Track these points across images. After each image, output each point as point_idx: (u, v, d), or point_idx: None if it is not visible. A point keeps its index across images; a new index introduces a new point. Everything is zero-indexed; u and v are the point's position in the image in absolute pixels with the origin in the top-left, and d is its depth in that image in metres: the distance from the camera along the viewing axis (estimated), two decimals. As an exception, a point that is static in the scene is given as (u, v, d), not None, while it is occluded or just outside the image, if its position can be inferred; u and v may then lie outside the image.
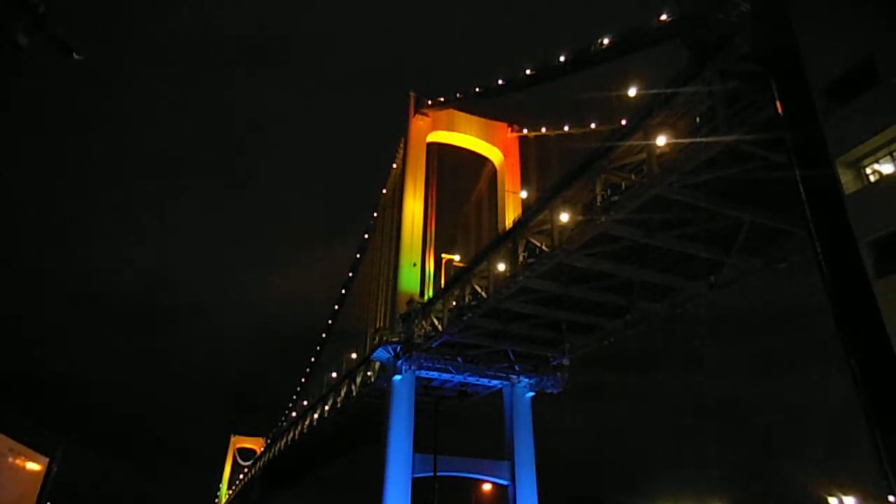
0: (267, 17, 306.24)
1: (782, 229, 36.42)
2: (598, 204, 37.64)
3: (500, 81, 58.86)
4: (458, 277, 55.85)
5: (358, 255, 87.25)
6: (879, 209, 20.56)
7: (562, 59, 45.42)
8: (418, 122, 70.13)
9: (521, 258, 46.00)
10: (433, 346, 57.55)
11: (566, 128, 58.09)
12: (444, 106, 70.24)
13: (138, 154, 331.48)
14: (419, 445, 57.87)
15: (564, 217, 41.39)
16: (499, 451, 62.98)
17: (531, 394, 63.56)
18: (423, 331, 58.64)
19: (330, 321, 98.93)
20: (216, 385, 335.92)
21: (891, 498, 19.97)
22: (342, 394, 76.83)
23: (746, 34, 27.31)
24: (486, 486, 64.06)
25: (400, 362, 59.27)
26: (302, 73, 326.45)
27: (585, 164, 39.68)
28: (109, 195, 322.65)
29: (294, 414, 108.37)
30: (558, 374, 62.12)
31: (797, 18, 23.86)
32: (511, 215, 62.57)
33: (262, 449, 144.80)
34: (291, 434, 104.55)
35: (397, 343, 59.75)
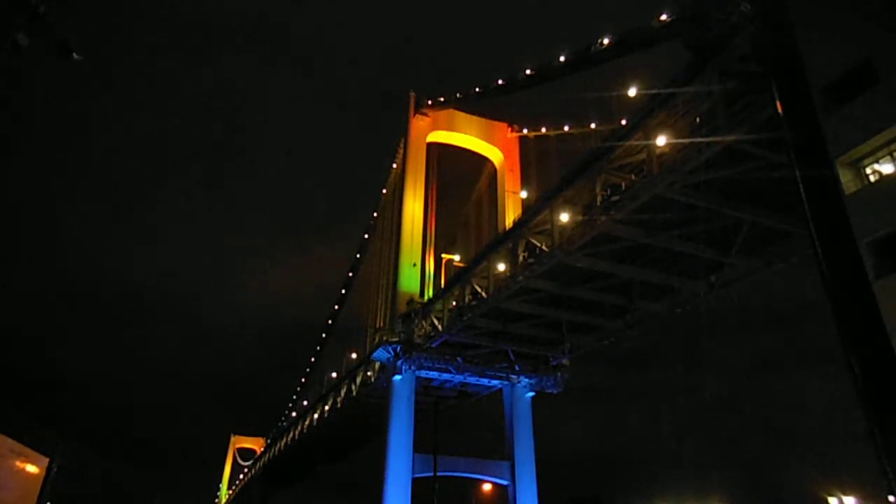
0: (266, 13, 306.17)
1: (782, 229, 36.43)
2: (598, 204, 37.62)
3: (500, 81, 58.75)
4: (458, 277, 55.83)
5: (358, 255, 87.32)
6: (879, 209, 20.57)
7: (562, 59, 45.33)
8: (418, 122, 70.12)
9: (521, 258, 45.98)
10: (433, 346, 57.53)
11: (566, 128, 58.10)
12: (444, 106, 70.21)
13: (133, 149, 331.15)
14: (419, 445, 57.83)
15: (564, 217, 41.37)
16: (499, 451, 62.95)
17: (531, 394, 63.52)
18: (423, 331, 58.64)
19: (330, 321, 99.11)
20: (216, 384, 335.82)
21: (891, 498, 19.96)
22: (342, 394, 76.84)
23: (747, 34, 27.32)
24: (486, 486, 64.07)
25: (400, 362, 59.25)
26: (301, 72, 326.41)
27: (585, 164, 39.67)
28: (104, 192, 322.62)
29: (294, 414, 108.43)
30: (558, 374, 62.13)
31: (797, 19, 23.89)
32: (511, 215, 62.55)
33: (262, 449, 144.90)
34: (291, 434, 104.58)
35: (397, 343, 59.71)
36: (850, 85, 21.71)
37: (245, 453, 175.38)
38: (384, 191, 77.58)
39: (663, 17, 32.50)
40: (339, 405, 77.91)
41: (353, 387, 72.31)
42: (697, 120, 31.92)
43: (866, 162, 22.02)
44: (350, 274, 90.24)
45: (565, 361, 61.05)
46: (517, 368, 60.96)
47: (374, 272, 76.62)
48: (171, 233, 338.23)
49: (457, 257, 64.10)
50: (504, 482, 61.26)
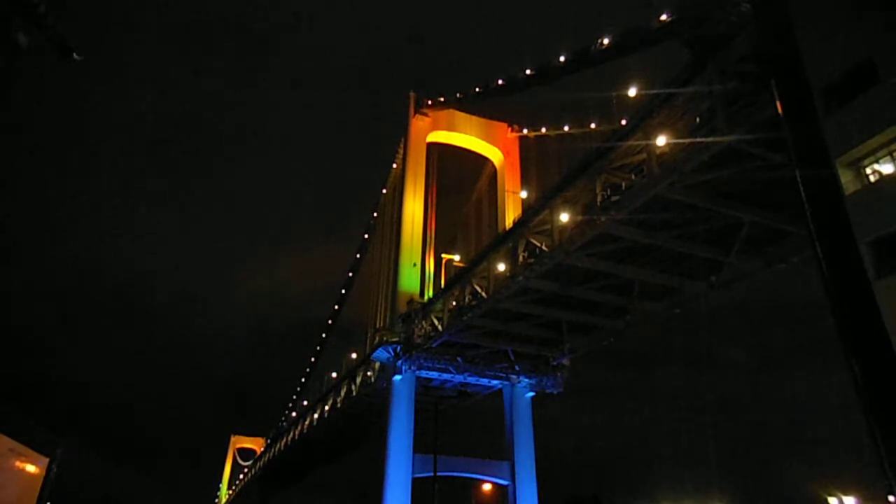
0: (266, 12, 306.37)
1: (782, 229, 36.42)
2: (599, 204, 37.63)
3: (500, 81, 58.77)
4: (458, 277, 55.84)
5: (358, 255, 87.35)
6: (879, 209, 20.55)
7: (562, 59, 45.35)
8: (418, 123, 70.14)
9: (521, 258, 45.99)
10: (433, 346, 57.52)
11: (566, 128, 58.06)
12: (444, 106, 70.23)
13: (133, 150, 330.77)
14: (419, 445, 57.86)
15: (564, 217, 41.39)
16: (499, 451, 62.97)
17: (531, 394, 63.54)
18: (423, 331, 58.62)
19: (330, 321, 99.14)
20: (215, 385, 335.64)
21: (891, 498, 19.95)
22: (342, 394, 76.83)
23: (746, 34, 27.33)
24: (486, 486, 64.04)
25: (400, 362, 59.27)
26: (300, 71, 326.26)
27: (585, 164, 39.69)
28: (104, 193, 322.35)
29: (294, 414, 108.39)
30: (558, 374, 62.11)
31: (797, 18, 23.87)
32: (511, 215, 62.56)
33: (262, 449, 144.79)
34: (291, 434, 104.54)
35: (397, 343, 59.75)
36: (850, 85, 21.68)
37: (245, 453, 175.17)
38: (384, 191, 77.65)
39: (663, 17, 32.50)
40: (339, 405, 77.89)
41: (353, 387, 72.31)
42: (697, 120, 31.92)
43: (866, 162, 21.99)
44: (350, 274, 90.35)
45: (565, 361, 61.01)
46: (517, 368, 60.94)
47: (374, 272, 76.67)
48: (171, 233, 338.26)
49: (457, 257, 64.10)
50: (504, 482, 61.26)
